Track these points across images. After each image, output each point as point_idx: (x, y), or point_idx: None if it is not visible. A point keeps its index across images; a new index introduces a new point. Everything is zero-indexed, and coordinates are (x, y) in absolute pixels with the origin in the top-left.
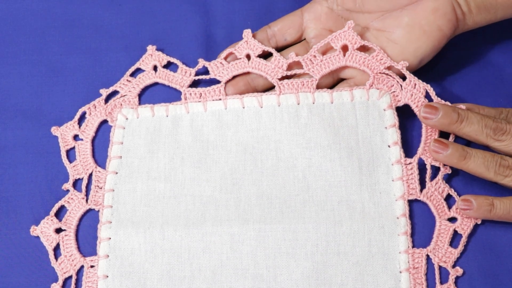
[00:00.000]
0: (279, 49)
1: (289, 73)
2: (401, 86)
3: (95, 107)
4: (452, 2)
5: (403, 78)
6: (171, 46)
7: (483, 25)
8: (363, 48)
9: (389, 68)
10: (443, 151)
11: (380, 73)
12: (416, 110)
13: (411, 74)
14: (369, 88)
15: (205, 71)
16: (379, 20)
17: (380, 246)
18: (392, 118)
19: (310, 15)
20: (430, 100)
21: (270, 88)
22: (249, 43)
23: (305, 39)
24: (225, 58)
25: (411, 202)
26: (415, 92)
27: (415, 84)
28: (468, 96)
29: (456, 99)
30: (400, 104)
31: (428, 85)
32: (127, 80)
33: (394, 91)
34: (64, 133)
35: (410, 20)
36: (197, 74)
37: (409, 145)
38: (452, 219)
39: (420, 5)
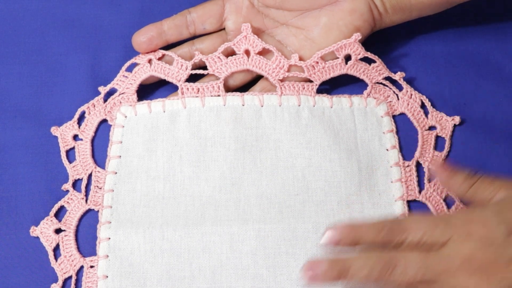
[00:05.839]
0: (196, 37)
1: (290, 74)
2: (397, 96)
3: (94, 106)
4: (369, 3)
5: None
6: (171, 46)
7: (400, 23)
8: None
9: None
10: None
11: (377, 83)
12: (412, 119)
13: (408, 85)
14: (367, 96)
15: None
16: (298, 18)
17: None
18: (389, 124)
19: (231, 6)
20: (426, 110)
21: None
22: (248, 38)
23: (224, 29)
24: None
25: (410, 203)
26: (411, 102)
27: (411, 94)
28: (468, 96)
29: (456, 99)
30: (397, 113)
31: (424, 96)
32: (124, 76)
33: (390, 101)
34: (63, 133)
35: (328, 20)
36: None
37: (406, 150)
38: None
39: (338, 6)
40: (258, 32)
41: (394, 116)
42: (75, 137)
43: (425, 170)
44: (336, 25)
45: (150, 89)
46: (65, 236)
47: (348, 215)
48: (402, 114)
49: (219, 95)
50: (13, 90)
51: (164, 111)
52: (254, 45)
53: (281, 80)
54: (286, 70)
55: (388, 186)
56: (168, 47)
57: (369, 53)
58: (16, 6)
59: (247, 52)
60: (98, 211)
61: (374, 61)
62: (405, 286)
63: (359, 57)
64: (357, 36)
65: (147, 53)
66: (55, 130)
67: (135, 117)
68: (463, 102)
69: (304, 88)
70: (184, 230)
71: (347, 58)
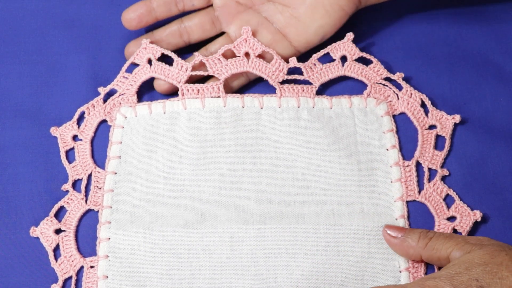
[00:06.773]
0: (185, 14)
1: (290, 77)
2: (397, 95)
3: (94, 106)
4: None
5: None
6: (160, 24)
7: (385, 1)
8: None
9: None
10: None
11: (377, 83)
12: (412, 118)
13: (408, 84)
14: (367, 97)
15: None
16: None
17: (379, 246)
18: (389, 124)
19: None
20: (427, 109)
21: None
22: (248, 41)
23: (211, 5)
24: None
25: (410, 203)
26: (411, 101)
27: (411, 94)
28: (468, 96)
29: (456, 99)
30: (397, 112)
31: (424, 95)
32: (124, 77)
33: (390, 101)
34: (63, 134)
35: None
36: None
37: (406, 150)
38: (451, 218)
39: None
40: (245, 8)
41: (394, 116)
42: (75, 138)
43: (425, 170)
44: (321, 3)
45: (150, 90)
46: (65, 236)
47: (348, 215)
48: (402, 113)
49: (219, 97)
50: (13, 90)
51: (164, 112)
52: (254, 48)
53: (281, 82)
54: (286, 73)
55: (387, 186)
56: (157, 24)
57: (364, 53)
58: (16, 6)
59: (247, 55)
60: (98, 211)
61: (372, 62)
62: None
63: (354, 57)
64: (350, 36)
65: (145, 54)
66: (54, 131)
67: (135, 118)
68: (463, 102)
69: (303, 90)
70: (184, 230)
71: (344, 60)
